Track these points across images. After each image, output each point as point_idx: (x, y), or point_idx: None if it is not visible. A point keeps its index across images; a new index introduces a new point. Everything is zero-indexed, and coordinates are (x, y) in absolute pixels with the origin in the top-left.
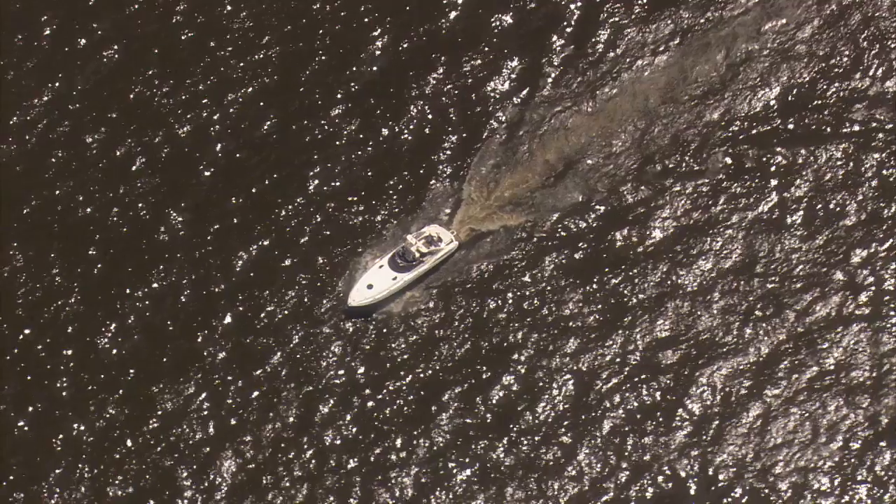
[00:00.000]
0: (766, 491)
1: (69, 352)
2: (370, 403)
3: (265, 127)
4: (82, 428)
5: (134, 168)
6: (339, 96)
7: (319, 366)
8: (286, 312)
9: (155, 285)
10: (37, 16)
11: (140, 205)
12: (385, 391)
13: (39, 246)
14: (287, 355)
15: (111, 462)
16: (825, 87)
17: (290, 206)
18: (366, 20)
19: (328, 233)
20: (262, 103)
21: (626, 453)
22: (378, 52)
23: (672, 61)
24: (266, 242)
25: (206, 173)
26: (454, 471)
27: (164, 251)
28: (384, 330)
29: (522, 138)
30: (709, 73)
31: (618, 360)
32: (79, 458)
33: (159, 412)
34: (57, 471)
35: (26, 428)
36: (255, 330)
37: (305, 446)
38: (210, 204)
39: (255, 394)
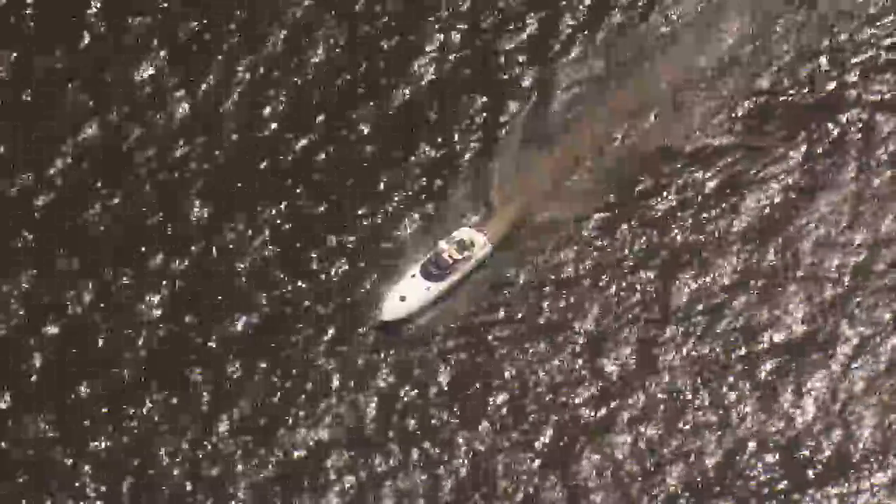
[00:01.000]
0: None
1: None
2: (412, 422)
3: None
4: None
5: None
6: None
7: (355, 385)
8: (313, 333)
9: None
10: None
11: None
12: (433, 410)
13: None
14: (321, 377)
15: None
16: None
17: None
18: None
19: (352, 244)
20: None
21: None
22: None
23: None
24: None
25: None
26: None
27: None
28: (422, 344)
29: (555, 112)
30: None
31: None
32: None
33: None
34: None
35: None
36: (281, 341)
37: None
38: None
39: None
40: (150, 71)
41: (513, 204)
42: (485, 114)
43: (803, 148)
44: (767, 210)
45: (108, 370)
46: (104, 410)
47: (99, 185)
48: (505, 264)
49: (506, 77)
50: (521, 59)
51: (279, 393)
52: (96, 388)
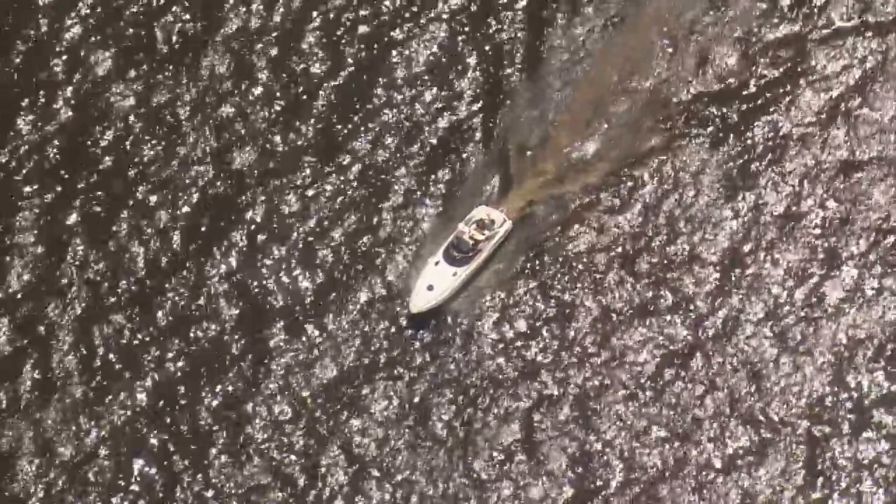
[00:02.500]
0: None
1: None
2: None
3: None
4: None
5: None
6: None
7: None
8: (344, 328)
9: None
10: None
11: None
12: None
13: None
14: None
15: None
16: None
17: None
18: None
19: (367, 238)
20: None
21: None
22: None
23: None
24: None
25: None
26: None
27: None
28: (459, 333)
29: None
30: None
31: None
32: None
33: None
34: None
35: None
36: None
37: None
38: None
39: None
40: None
41: (528, 177)
42: (487, 88)
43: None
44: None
45: None
46: None
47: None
48: (526, 240)
49: (504, 48)
50: (517, 27)
51: None
52: None
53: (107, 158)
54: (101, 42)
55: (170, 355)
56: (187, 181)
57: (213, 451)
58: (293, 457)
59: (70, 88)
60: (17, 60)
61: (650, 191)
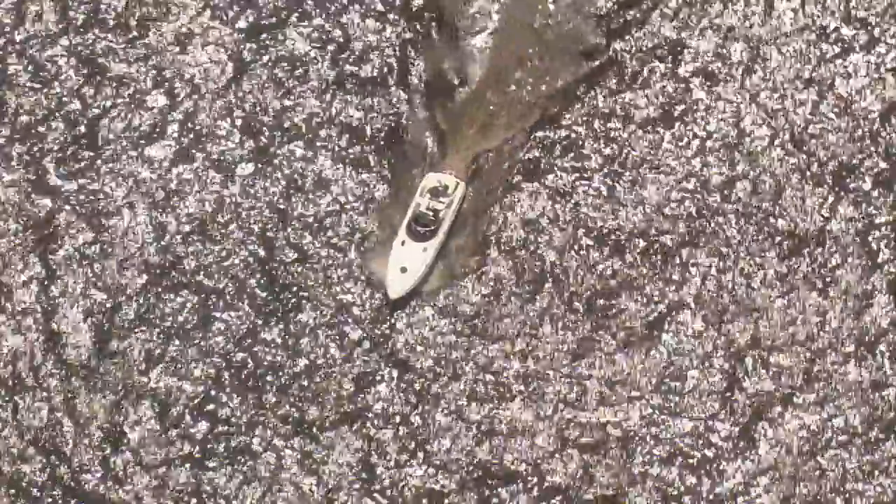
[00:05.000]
0: None
1: None
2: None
3: None
4: None
5: None
6: None
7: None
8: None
9: None
10: None
11: None
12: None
13: None
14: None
15: None
16: None
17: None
18: None
19: (329, 234)
20: None
21: None
22: None
23: None
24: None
25: None
26: None
27: None
28: (446, 310)
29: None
30: None
31: None
32: None
33: None
34: None
35: None
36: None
37: None
38: None
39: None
40: None
41: (462, 132)
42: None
43: None
44: None
45: None
46: None
47: None
48: (480, 197)
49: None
50: None
51: None
52: None
53: None
54: None
55: None
56: None
57: None
58: None
59: None
60: None
61: (585, 115)
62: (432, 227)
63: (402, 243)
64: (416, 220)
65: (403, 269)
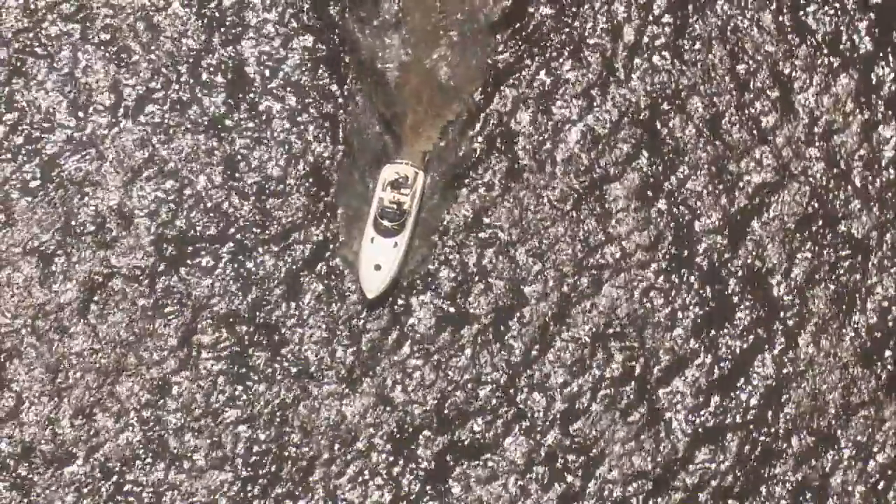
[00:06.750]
0: None
1: None
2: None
3: None
4: None
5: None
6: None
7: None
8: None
9: None
10: None
11: None
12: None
13: None
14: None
15: None
16: None
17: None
18: None
19: (301, 238)
20: None
21: None
22: None
23: None
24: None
25: None
26: None
27: None
28: (428, 305)
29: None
30: None
31: None
32: None
33: None
34: None
35: None
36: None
37: None
38: None
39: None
40: None
41: (410, 119)
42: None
43: None
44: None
45: None
46: None
47: None
48: (441, 182)
49: None
50: None
51: None
52: None
53: None
54: None
55: None
56: None
57: None
58: None
59: None
60: None
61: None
62: (399, 221)
63: (372, 240)
64: (381, 215)
65: (377, 267)
